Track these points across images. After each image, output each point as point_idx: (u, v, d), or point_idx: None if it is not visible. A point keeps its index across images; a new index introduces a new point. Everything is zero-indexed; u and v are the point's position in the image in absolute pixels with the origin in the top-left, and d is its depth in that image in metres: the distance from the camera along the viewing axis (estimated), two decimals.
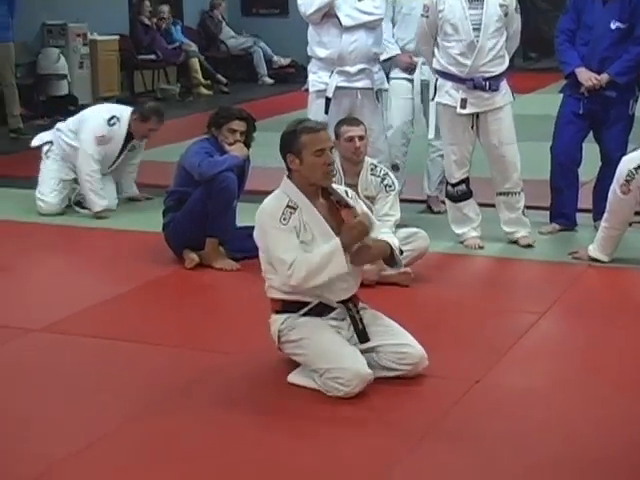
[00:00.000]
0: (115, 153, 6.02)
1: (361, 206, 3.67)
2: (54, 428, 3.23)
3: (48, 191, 6.04)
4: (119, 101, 10.33)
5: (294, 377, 3.54)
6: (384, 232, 3.72)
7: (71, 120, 6.16)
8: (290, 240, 3.46)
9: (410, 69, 5.79)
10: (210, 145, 5.00)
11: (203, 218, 4.90)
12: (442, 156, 5.70)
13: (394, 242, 3.66)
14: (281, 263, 3.45)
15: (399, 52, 5.78)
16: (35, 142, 6.23)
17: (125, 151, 6.08)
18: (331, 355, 3.43)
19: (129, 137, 6.02)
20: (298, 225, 3.49)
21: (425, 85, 5.72)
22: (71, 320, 4.27)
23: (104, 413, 3.33)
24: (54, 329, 4.15)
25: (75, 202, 6.13)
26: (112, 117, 5.95)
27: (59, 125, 6.19)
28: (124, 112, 6.00)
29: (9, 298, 4.63)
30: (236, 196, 4.99)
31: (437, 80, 5.28)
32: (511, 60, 5.31)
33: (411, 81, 5.82)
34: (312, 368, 3.47)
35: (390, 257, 3.63)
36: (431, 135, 5.67)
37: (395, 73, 5.87)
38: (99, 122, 5.94)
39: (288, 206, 3.50)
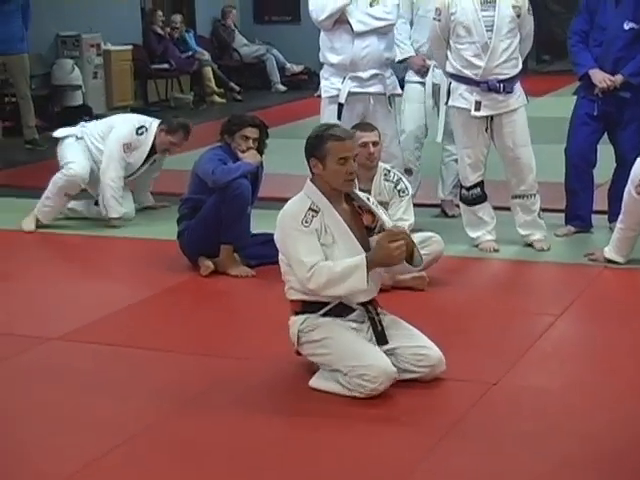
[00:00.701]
0: (138, 163, 6.02)
1: (381, 214, 3.68)
2: (76, 433, 3.25)
3: (78, 158, 5.93)
4: (133, 110, 10.43)
5: (316, 382, 3.54)
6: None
7: (99, 123, 6.17)
8: (311, 243, 3.47)
9: (423, 72, 5.80)
10: (223, 152, 5.02)
11: (217, 225, 4.91)
12: (456, 160, 5.70)
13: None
14: (301, 265, 3.46)
15: (414, 54, 5.80)
16: (60, 133, 6.15)
17: (147, 164, 6.09)
18: (357, 353, 3.43)
19: (152, 150, 6.02)
20: (320, 228, 3.50)
21: (437, 89, 5.73)
22: (88, 328, 4.29)
23: (123, 420, 3.34)
24: (71, 337, 4.17)
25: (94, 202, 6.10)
26: (141, 127, 5.97)
27: (85, 124, 6.21)
28: (153, 123, 6.02)
29: (26, 307, 4.65)
30: (250, 203, 5.01)
31: (450, 84, 5.28)
32: (524, 63, 5.31)
33: (424, 84, 5.83)
34: (335, 367, 3.46)
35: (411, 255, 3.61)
36: (439, 139, 5.69)
37: (409, 76, 5.89)
38: (129, 129, 5.96)
39: (310, 209, 3.51)
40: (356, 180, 4.64)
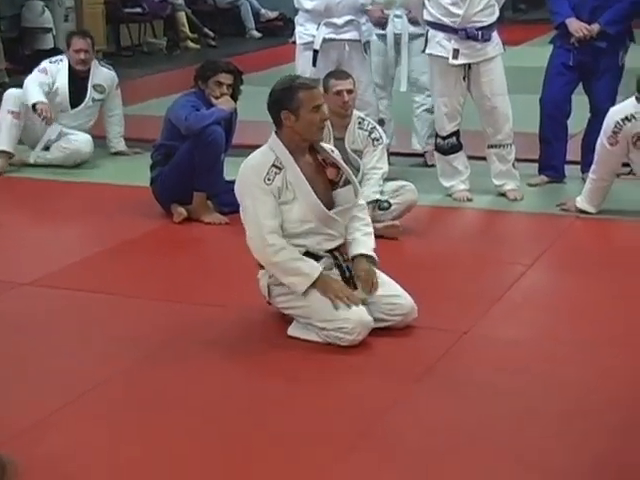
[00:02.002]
0: (64, 85, 6.02)
1: (344, 167, 3.66)
2: (44, 380, 3.24)
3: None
4: (105, 55, 10.28)
5: (294, 330, 3.55)
6: (361, 226, 3.69)
7: None
8: (270, 204, 3.46)
9: (382, 23, 5.72)
10: (197, 99, 4.96)
11: (191, 172, 4.88)
12: (427, 110, 5.69)
13: (370, 247, 3.68)
14: (258, 226, 3.47)
15: (370, 6, 5.70)
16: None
17: (88, 92, 6.08)
18: (331, 306, 3.43)
19: (75, 73, 6.06)
20: (281, 185, 3.48)
21: (398, 38, 5.67)
22: (58, 274, 4.26)
23: (89, 367, 3.33)
24: (41, 283, 4.15)
25: (44, 147, 6.09)
26: (56, 60, 6.14)
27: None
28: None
29: None
30: (224, 150, 4.97)
31: (428, 32, 5.23)
32: (500, 12, 5.26)
33: (383, 37, 5.75)
34: (311, 321, 3.48)
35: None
36: (403, 88, 5.67)
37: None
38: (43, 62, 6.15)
39: (274, 165, 3.49)
40: (331, 128, 4.66)
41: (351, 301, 3.44)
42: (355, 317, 3.42)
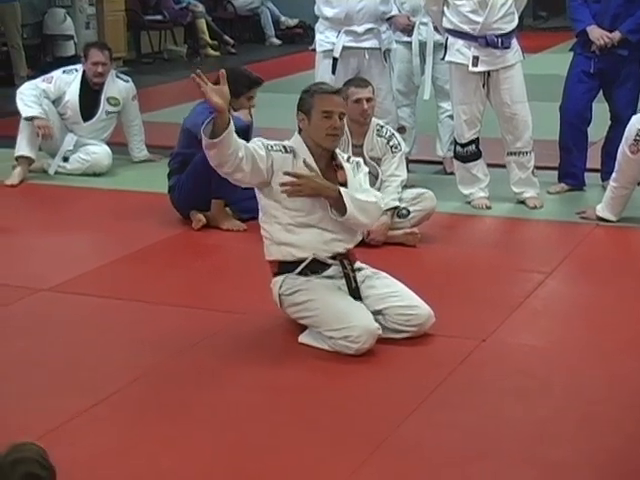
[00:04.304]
0: (75, 99, 6.00)
1: (351, 176, 3.65)
2: (64, 385, 3.25)
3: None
4: (126, 62, 10.34)
5: (305, 338, 3.55)
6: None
7: None
8: (260, 153, 3.47)
9: (408, 30, 5.72)
10: None
11: (207, 180, 4.87)
12: (451, 117, 5.68)
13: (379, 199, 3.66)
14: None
15: (397, 13, 5.71)
16: None
17: (101, 105, 6.06)
18: (338, 314, 3.44)
19: (88, 86, 6.03)
20: (283, 164, 3.48)
21: (423, 46, 5.68)
22: (79, 280, 4.28)
23: (115, 370, 3.35)
24: (61, 289, 4.17)
25: (63, 158, 6.10)
26: (70, 70, 6.13)
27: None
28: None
29: (16, 259, 4.64)
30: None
31: (447, 39, 5.23)
32: (521, 19, 5.26)
33: (409, 44, 5.76)
34: (319, 330, 3.48)
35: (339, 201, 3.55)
36: (427, 96, 5.66)
37: (397, 36, 5.80)
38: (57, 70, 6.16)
39: (284, 146, 3.54)
40: (349, 135, 4.66)
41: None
42: (361, 325, 3.39)
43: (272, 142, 3.56)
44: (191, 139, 4.96)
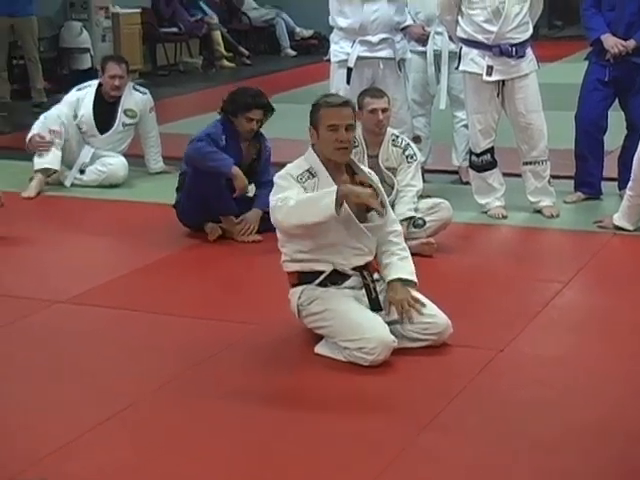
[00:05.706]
0: (89, 112, 6.04)
1: (381, 191, 3.65)
2: (80, 398, 3.26)
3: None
4: (142, 75, 10.39)
5: (321, 348, 3.55)
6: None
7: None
8: (296, 189, 3.45)
9: (423, 40, 5.73)
10: (221, 130, 4.87)
11: (201, 198, 4.86)
12: (466, 126, 5.66)
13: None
14: (276, 199, 3.44)
15: (412, 23, 5.71)
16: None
17: (118, 117, 6.09)
18: (354, 325, 3.43)
19: (103, 99, 6.07)
20: (312, 191, 3.49)
21: (438, 56, 5.68)
22: (95, 292, 4.29)
23: (131, 382, 3.36)
24: (78, 301, 4.18)
25: (80, 171, 6.13)
26: (85, 87, 6.19)
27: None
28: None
29: (32, 271, 4.66)
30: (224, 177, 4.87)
31: (461, 49, 5.23)
32: (536, 28, 5.26)
33: (423, 54, 5.76)
34: (335, 340, 3.48)
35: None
36: (442, 106, 5.66)
37: (412, 46, 5.80)
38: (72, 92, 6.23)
39: (308, 171, 3.52)
40: (365, 146, 4.66)
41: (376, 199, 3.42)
42: (376, 336, 3.38)
43: (297, 171, 3.52)
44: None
